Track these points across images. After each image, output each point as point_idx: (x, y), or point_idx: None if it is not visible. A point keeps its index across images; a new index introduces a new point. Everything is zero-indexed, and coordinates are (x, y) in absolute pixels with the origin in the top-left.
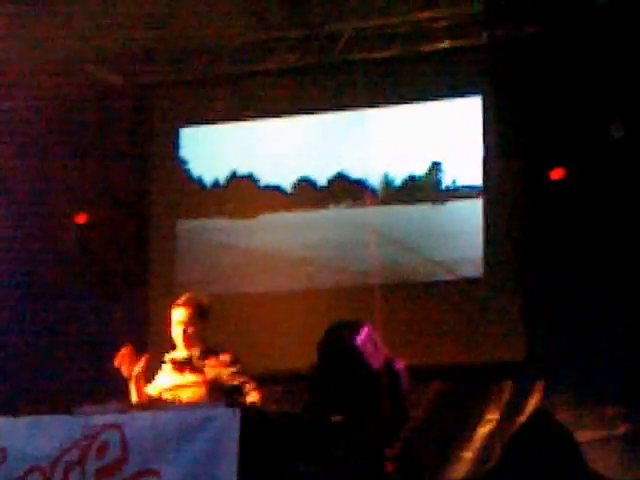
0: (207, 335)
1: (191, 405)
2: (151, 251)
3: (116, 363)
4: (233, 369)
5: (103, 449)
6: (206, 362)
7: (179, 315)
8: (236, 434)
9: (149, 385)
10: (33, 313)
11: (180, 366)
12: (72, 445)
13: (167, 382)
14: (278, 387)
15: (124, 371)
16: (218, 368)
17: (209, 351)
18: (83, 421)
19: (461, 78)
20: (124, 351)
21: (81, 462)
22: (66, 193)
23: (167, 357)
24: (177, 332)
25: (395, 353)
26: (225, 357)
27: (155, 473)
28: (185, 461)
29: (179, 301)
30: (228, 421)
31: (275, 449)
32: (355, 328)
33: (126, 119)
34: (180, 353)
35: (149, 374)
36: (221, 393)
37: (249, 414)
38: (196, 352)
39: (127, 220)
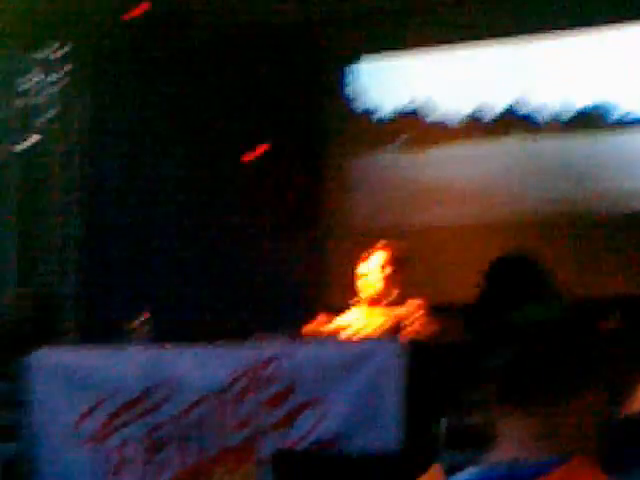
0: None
1: (355, 338)
2: (325, 186)
3: None
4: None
5: (271, 379)
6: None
7: (375, 259)
8: (400, 367)
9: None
10: (209, 249)
11: (375, 304)
12: (241, 375)
13: (354, 319)
14: (453, 319)
15: None
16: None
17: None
18: (252, 351)
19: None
20: None
21: (250, 391)
22: (242, 127)
23: (360, 294)
24: (373, 274)
25: (571, 287)
26: (415, 302)
27: (320, 403)
28: (349, 392)
29: (377, 245)
30: (391, 354)
31: (442, 382)
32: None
33: (299, 52)
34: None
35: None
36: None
37: (414, 347)
38: (389, 294)
39: (301, 154)
